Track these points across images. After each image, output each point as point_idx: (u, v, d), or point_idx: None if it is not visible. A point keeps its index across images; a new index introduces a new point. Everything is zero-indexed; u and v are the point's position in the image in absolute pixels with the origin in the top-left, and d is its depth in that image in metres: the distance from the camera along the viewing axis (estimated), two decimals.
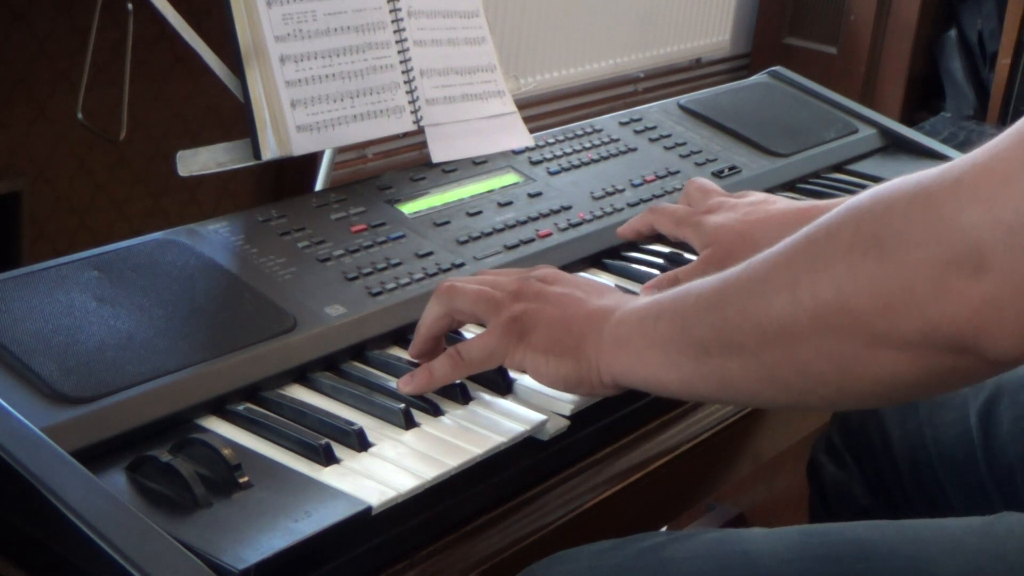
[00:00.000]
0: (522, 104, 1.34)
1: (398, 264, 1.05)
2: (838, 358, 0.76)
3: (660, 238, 1.20)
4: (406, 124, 1.20)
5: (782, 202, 1.15)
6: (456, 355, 0.91)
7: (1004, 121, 3.37)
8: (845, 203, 0.77)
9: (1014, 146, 0.69)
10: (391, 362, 0.95)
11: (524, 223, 1.17)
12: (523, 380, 0.94)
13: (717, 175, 1.36)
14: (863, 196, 0.76)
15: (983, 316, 0.69)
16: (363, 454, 0.84)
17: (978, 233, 0.68)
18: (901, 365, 0.74)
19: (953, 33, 3.54)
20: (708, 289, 0.83)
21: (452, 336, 0.98)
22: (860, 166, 1.51)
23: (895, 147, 1.58)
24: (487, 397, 0.93)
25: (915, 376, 0.75)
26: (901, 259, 0.71)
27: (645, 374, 0.86)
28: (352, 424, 0.85)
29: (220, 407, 0.87)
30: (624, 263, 1.17)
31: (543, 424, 0.90)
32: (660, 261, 1.18)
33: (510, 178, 1.24)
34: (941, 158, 1.53)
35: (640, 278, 1.13)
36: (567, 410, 0.91)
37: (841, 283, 0.74)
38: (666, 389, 0.87)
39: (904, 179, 0.74)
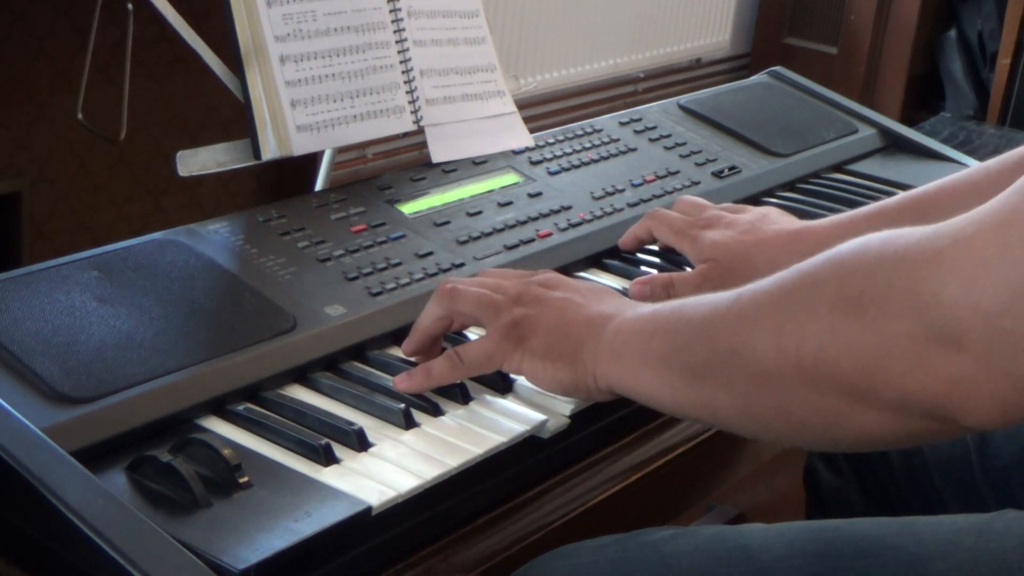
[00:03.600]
0: (522, 104, 1.33)
1: (398, 264, 1.05)
2: (820, 411, 0.76)
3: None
4: (406, 124, 1.20)
5: (779, 220, 1.14)
6: (455, 357, 0.91)
7: (1004, 121, 3.37)
8: (831, 252, 0.77)
9: (994, 227, 0.69)
10: (391, 362, 0.95)
11: (524, 223, 1.16)
12: (523, 380, 0.94)
13: (717, 175, 1.36)
14: (849, 249, 0.76)
15: (959, 390, 0.70)
16: (363, 454, 0.84)
17: (956, 313, 0.68)
18: (880, 423, 0.75)
19: (953, 33, 3.54)
20: (699, 314, 0.83)
21: (455, 337, 0.98)
22: (860, 166, 1.51)
23: (895, 147, 1.58)
24: (487, 397, 0.93)
25: (895, 434, 0.76)
26: (881, 327, 0.72)
27: (638, 388, 0.87)
28: (352, 424, 0.85)
29: (220, 407, 0.87)
30: (624, 264, 1.17)
31: (543, 424, 0.90)
32: (659, 261, 1.18)
33: (510, 178, 1.24)
34: (941, 158, 1.54)
35: None
36: (567, 410, 0.91)
37: (823, 340, 0.74)
38: (659, 405, 0.87)
39: (889, 238, 0.74)
